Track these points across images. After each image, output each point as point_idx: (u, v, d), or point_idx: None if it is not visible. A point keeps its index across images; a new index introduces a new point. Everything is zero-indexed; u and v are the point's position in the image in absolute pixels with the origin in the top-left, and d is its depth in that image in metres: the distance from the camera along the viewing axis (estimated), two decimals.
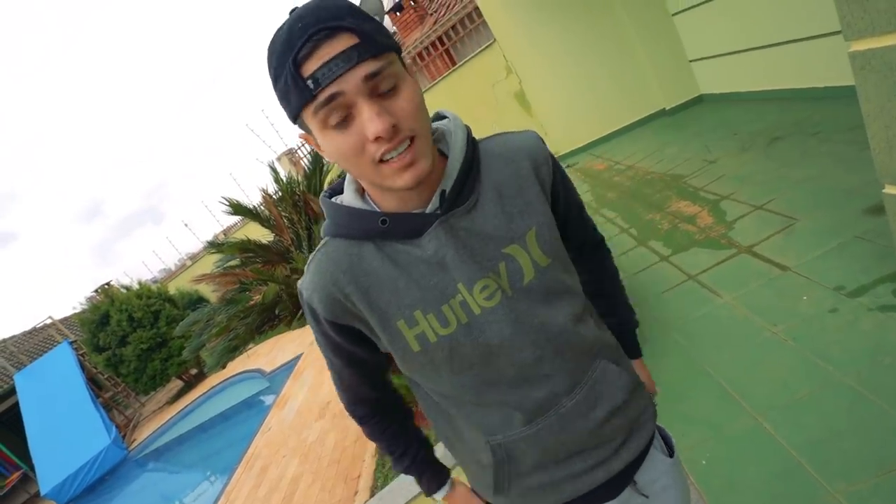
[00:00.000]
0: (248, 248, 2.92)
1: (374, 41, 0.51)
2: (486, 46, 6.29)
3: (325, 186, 1.49)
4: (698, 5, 4.37)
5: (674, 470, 0.79)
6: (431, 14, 8.14)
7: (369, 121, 0.51)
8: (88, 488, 7.33)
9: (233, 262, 3.09)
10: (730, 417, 1.62)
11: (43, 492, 7.28)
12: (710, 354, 1.93)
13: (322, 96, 0.50)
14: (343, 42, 0.50)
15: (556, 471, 0.71)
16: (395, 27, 8.70)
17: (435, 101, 6.93)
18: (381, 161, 0.53)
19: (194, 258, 11.96)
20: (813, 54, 3.37)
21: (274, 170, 3.33)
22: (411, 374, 0.68)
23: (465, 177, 0.62)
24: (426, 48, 7.41)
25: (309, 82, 0.50)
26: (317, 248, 0.66)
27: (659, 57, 5.16)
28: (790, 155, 3.00)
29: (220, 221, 12.22)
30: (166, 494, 6.26)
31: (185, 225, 19.00)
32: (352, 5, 0.53)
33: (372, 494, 2.79)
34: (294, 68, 0.50)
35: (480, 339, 0.62)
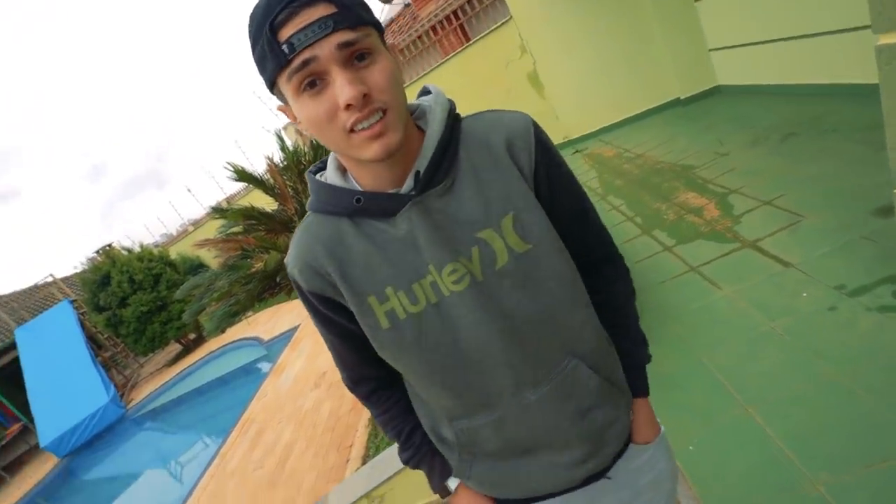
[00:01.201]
0: (251, 216, 2.92)
1: (351, 12, 0.52)
2: (502, 23, 6.14)
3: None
4: None
5: (653, 455, 0.79)
6: None
7: (341, 88, 0.51)
8: (86, 444, 7.51)
9: (236, 229, 3.09)
10: (721, 407, 1.64)
11: (42, 444, 7.47)
12: (706, 345, 1.95)
13: (296, 61, 0.51)
14: (320, 10, 0.50)
15: (517, 463, 0.71)
16: None
17: (446, 77, 6.80)
18: (352, 131, 0.53)
19: (196, 224, 11.97)
20: (836, 50, 3.29)
21: (280, 138, 3.30)
22: (382, 354, 0.68)
23: (441, 157, 0.61)
24: (440, 22, 7.24)
25: (284, 47, 0.51)
26: (300, 224, 0.68)
27: (678, 44, 5.04)
28: (803, 151, 2.96)
29: (223, 188, 12.18)
30: (162, 453, 6.41)
31: (189, 190, 18.97)
32: None
33: (363, 462, 2.85)
34: (270, 33, 0.51)
35: (447, 321, 0.62)
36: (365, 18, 0.54)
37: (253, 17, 0.53)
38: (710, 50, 4.91)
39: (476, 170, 0.63)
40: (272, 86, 0.56)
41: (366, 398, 0.80)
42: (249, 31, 0.54)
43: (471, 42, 6.60)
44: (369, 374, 0.77)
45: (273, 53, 0.51)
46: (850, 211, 2.22)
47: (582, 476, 0.72)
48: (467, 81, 6.71)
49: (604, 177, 4.56)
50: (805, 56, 3.63)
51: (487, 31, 6.33)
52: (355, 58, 0.53)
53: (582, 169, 5.17)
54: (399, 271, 0.62)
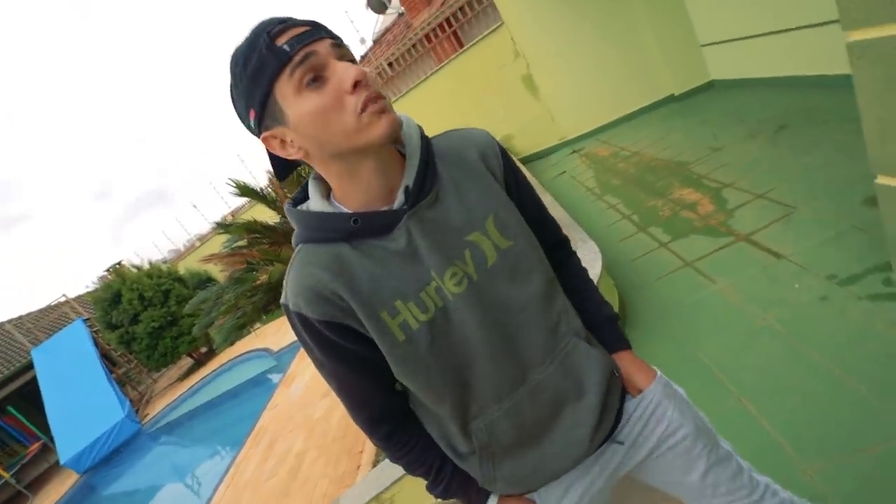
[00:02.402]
0: (254, 229, 2.99)
1: (336, 35, 0.60)
2: (494, 29, 6.21)
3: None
4: None
5: (658, 404, 0.78)
6: None
7: (346, 70, 0.57)
8: (104, 459, 7.63)
9: (240, 243, 3.16)
10: (715, 400, 1.67)
11: (62, 461, 7.60)
12: (701, 339, 1.98)
13: (298, 56, 0.56)
14: (307, 27, 0.58)
15: (536, 450, 0.74)
16: (402, 7, 8.59)
17: (441, 84, 6.88)
18: (363, 109, 0.57)
19: (203, 239, 12.13)
20: (827, 40, 3.31)
21: None
22: (398, 371, 0.68)
23: (425, 172, 0.66)
24: (434, 30, 7.33)
25: (284, 46, 0.55)
26: (292, 259, 0.67)
27: (669, 41, 5.08)
28: (796, 143, 2.99)
29: (227, 203, 12.34)
30: (178, 466, 6.50)
31: (194, 206, 19.19)
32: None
33: (374, 467, 2.90)
34: (269, 40, 0.56)
35: (454, 323, 0.66)
36: (346, 43, 0.62)
37: (239, 51, 0.58)
38: (703, 45, 4.94)
39: (455, 181, 0.69)
40: (265, 99, 0.57)
41: (387, 439, 0.77)
42: (237, 58, 0.58)
43: (464, 48, 6.67)
44: (387, 409, 0.75)
45: (273, 54, 0.55)
46: (840, 201, 2.25)
47: (596, 445, 0.75)
48: (462, 87, 6.78)
49: (600, 176, 4.59)
50: (798, 47, 3.66)
51: (480, 37, 6.41)
52: (346, 57, 0.60)
53: (579, 169, 5.22)
54: (405, 283, 0.64)
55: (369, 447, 3.22)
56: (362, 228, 0.63)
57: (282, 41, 0.56)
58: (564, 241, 0.88)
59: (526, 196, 0.78)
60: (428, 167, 0.67)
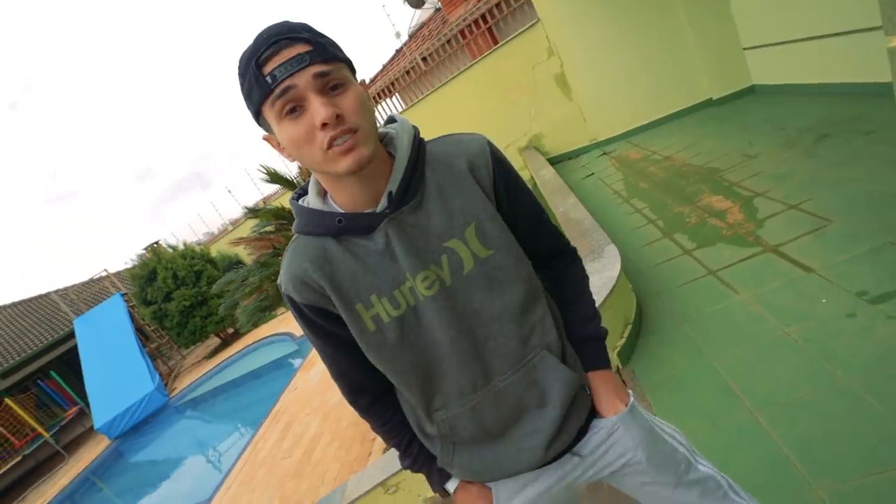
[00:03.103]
0: (282, 216, 3.10)
1: (325, 50, 0.61)
2: (530, 26, 6.16)
3: None
4: None
5: (623, 429, 0.80)
6: None
7: (317, 110, 0.59)
8: (134, 428, 8.05)
9: (268, 228, 3.28)
10: (727, 411, 1.64)
11: (96, 426, 8.06)
12: (718, 349, 1.94)
13: (278, 89, 0.59)
14: (298, 48, 0.60)
15: (493, 447, 0.78)
16: (439, 2, 8.62)
17: (475, 80, 6.88)
18: (329, 147, 0.61)
19: (235, 223, 12.54)
20: (876, 46, 3.15)
21: None
22: (369, 356, 0.74)
23: (410, 178, 0.69)
24: (468, 26, 7.32)
25: (268, 78, 0.59)
26: (287, 247, 0.75)
27: (711, 43, 4.92)
28: (837, 154, 2.86)
29: (260, 190, 12.70)
30: (200, 439, 6.80)
31: (229, 191, 19.84)
32: (310, 25, 0.63)
33: (385, 453, 2.97)
34: (256, 68, 0.59)
35: (422, 323, 0.71)
36: (337, 56, 0.63)
37: (241, 58, 0.62)
38: (745, 49, 4.76)
39: (441, 187, 0.71)
40: (258, 115, 0.64)
41: (366, 410, 0.85)
42: (239, 70, 0.62)
43: (499, 45, 6.64)
44: (365, 383, 0.82)
45: (258, 84, 0.60)
46: (879, 216, 2.15)
47: (552, 455, 0.78)
48: (495, 84, 6.76)
49: (629, 179, 4.51)
50: (844, 54, 3.49)
51: (515, 34, 6.36)
52: (329, 87, 0.61)
53: (608, 172, 5.13)
54: (381, 280, 0.70)
55: None
56: (346, 228, 0.69)
57: (268, 69, 0.59)
58: (565, 251, 0.88)
59: (520, 207, 0.78)
60: (414, 173, 0.70)
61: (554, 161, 6.52)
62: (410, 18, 9.93)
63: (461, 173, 0.72)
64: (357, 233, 0.70)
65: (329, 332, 0.75)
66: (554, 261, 0.87)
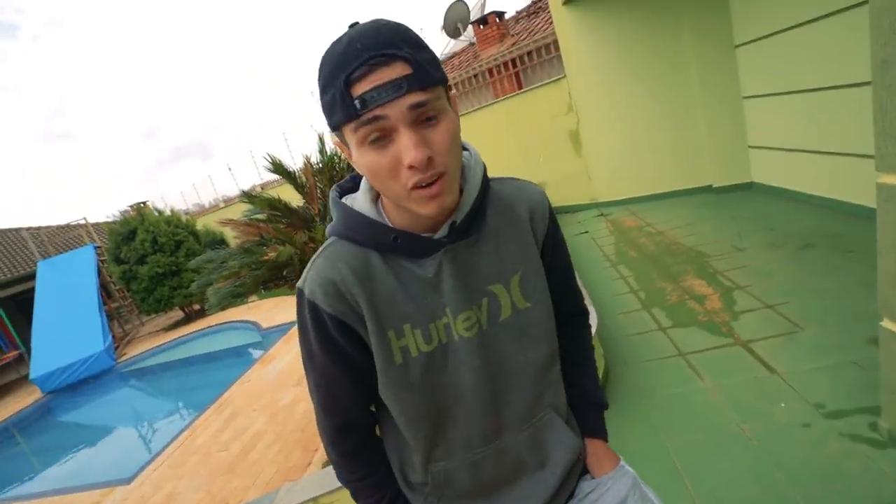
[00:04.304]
0: (276, 207, 3.08)
1: (426, 73, 0.53)
2: (555, 80, 6.39)
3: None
4: (773, 95, 4.36)
5: (614, 475, 0.79)
6: (512, 35, 8.30)
7: (407, 149, 0.53)
8: (71, 386, 7.69)
9: (259, 216, 3.25)
10: (671, 495, 1.64)
11: (31, 376, 7.68)
12: (673, 432, 1.95)
13: (366, 116, 0.52)
14: (396, 70, 0.51)
15: (480, 501, 0.75)
16: (475, 38, 8.90)
17: (494, 118, 7.06)
18: (412, 188, 0.56)
19: (228, 202, 12.42)
20: (869, 173, 3.32)
21: (321, 141, 3.49)
22: (384, 391, 0.68)
23: (476, 213, 0.67)
24: (498, 66, 7.57)
25: (356, 102, 0.52)
26: (322, 248, 0.68)
27: (720, 134, 5.15)
28: (817, 264, 2.97)
29: (260, 175, 12.65)
30: (138, 412, 6.50)
31: (229, 169, 19.67)
32: (410, 32, 0.55)
33: (324, 468, 2.88)
34: (344, 87, 0.52)
35: (450, 364, 0.67)
36: (436, 78, 0.55)
37: (326, 62, 0.54)
38: (750, 146, 4.99)
39: (498, 230, 0.69)
40: (335, 129, 0.57)
41: (349, 456, 0.75)
42: (320, 74, 0.54)
43: (523, 90, 6.86)
44: (358, 422, 0.74)
45: (344, 106, 0.52)
46: (847, 333, 2.23)
47: None
48: (512, 126, 6.95)
49: (620, 245, 4.61)
50: (841, 173, 3.67)
51: (540, 84, 6.59)
52: (424, 119, 0.54)
53: (602, 233, 5.24)
54: (419, 311, 0.65)
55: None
56: (399, 247, 0.64)
57: (357, 92, 0.52)
58: (582, 312, 0.88)
59: (558, 261, 0.78)
60: (479, 209, 0.68)
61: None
62: (444, 46, 10.22)
63: (520, 220, 0.70)
64: (409, 255, 0.65)
65: (343, 352, 0.67)
66: (572, 320, 0.85)
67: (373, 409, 0.77)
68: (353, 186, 0.72)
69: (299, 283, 0.66)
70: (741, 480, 1.63)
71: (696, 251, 3.80)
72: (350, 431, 0.74)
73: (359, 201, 0.67)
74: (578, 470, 0.79)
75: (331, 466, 2.08)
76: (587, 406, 0.83)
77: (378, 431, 0.80)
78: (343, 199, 0.69)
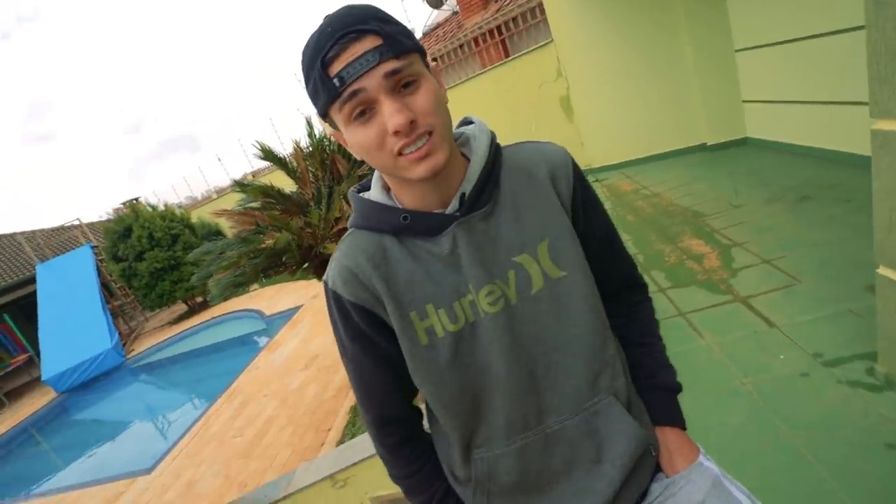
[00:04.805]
0: (269, 194, 3.06)
1: (396, 42, 0.55)
2: (542, 45, 6.24)
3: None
4: (765, 46, 4.27)
5: (689, 475, 0.71)
6: (496, 0, 8.06)
7: (389, 116, 0.54)
8: (83, 384, 7.81)
9: (254, 204, 3.23)
10: None
11: (43, 377, 7.79)
12: None
13: (346, 92, 0.54)
14: (367, 43, 0.54)
15: (533, 499, 0.69)
16: (458, 6, 8.64)
17: (482, 88, 6.92)
18: (400, 154, 0.56)
19: (220, 192, 12.31)
20: (864, 121, 3.28)
21: (310, 124, 3.43)
22: (415, 375, 0.67)
23: (485, 182, 0.64)
24: (483, 34, 7.37)
25: (335, 80, 0.54)
26: (341, 240, 0.69)
27: (713, 90, 5.06)
28: (814, 216, 2.98)
29: (251, 163, 12.52)
30: (152, 406, 6.63)
31: (219, 159, 19.44)
32: (379, 11, 0.57)
33: (338, 446, 2.95)
34: (322, 69, 0.54)
35: (480, 343, 0.64)
36: (409, 46, 0.56)
37: (305, 53, 0.56)
38: (744, 101, 4.92)
39: (515, 196, 0.65)
40: (324, 115, 0.59)
41: (393, 452, 0.74)
42: (302, 66, 0.57)
43: (510, 58, 6.71)
44: (397, 415, 0.74)
45: (325, 87, 0.55)
46: (844, 282, 2.25)
47: None
48: (501, 96, 6.82)
49: (617, 210, 4.60)
50: (836, 122, 3.63)
51: (527, 50, 6.44)
52: (402, 85, 0.55)
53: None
54: (441, 289, 0.63)
55: (337, 426, 3.27)
56: (410, 226, 0.63)
57: (334, 70, 0.54)
58: (639, 285, 0.80)
59: (597, 227, 0.71)
60: (490, 178, 0.65)
61: None
62: (427, 17, 9.93)
63: (541, 183, 0.66)
64: (422, 234, 0.64)
65: (371, 340, 0.67)
66: (624, 293, 0.78)
67: (412, 403, 0.75)
68: (371, 184, 0.73)
69: (324, 277, 0.68)
70: (744, 433, 1.68)
71: (693, 211, 3.79)
72: (390, 425, 0.74)
73: (372, 191, 0.69)
74: (650, 466, 0.72)
75: (345, 444, 2.14)
76: (652, 389, 0.75)
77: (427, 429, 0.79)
78: (359, 195, 0.70)
